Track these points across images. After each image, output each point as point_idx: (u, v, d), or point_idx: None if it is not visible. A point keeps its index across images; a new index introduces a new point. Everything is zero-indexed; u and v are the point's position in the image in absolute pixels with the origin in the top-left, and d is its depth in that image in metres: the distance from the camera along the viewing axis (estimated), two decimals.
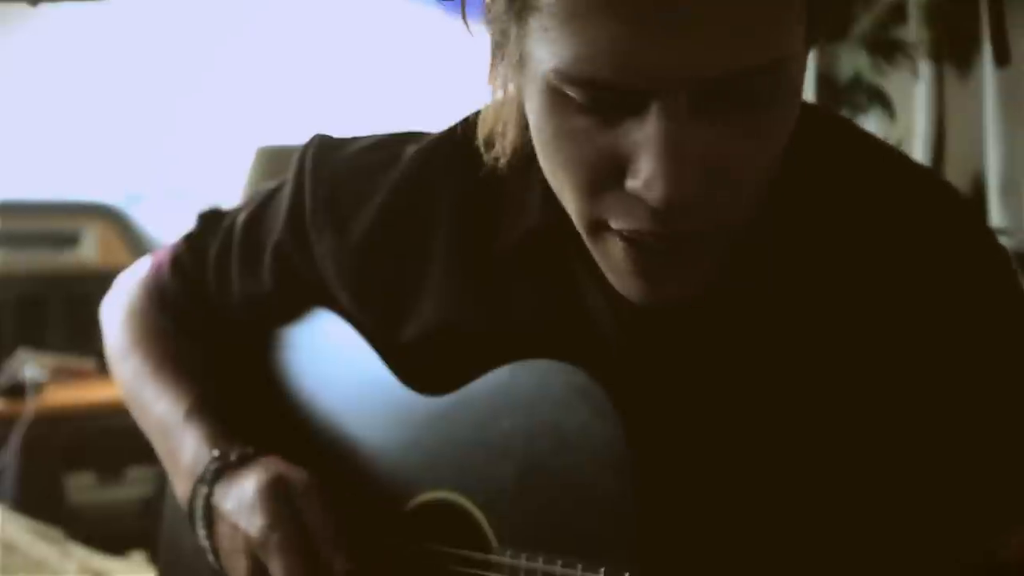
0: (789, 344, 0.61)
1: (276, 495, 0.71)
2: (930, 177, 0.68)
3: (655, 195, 0.52)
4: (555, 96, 0.54)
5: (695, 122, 0.52)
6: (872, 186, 0.63)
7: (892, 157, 0.66)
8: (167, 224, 2.31)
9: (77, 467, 2.00)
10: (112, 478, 2.01)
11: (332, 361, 0.80)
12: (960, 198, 0.67)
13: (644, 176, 0.52)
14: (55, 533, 1.62)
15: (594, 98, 0.53)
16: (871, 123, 1.31)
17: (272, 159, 1.83)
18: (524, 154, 0.63)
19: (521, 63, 0.56)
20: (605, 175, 0.54)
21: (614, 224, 0.56)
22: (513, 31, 0.55)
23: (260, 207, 0.82)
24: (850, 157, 0.65)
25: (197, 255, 0.86)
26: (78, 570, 1.55)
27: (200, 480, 0.75)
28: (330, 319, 0.80)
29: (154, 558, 1.83)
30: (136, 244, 2.22)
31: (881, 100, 1.25)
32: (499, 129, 0.64)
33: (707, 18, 0.49)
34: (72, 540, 1.64)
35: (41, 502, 1.87)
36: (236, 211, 0.85)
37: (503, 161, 0.64)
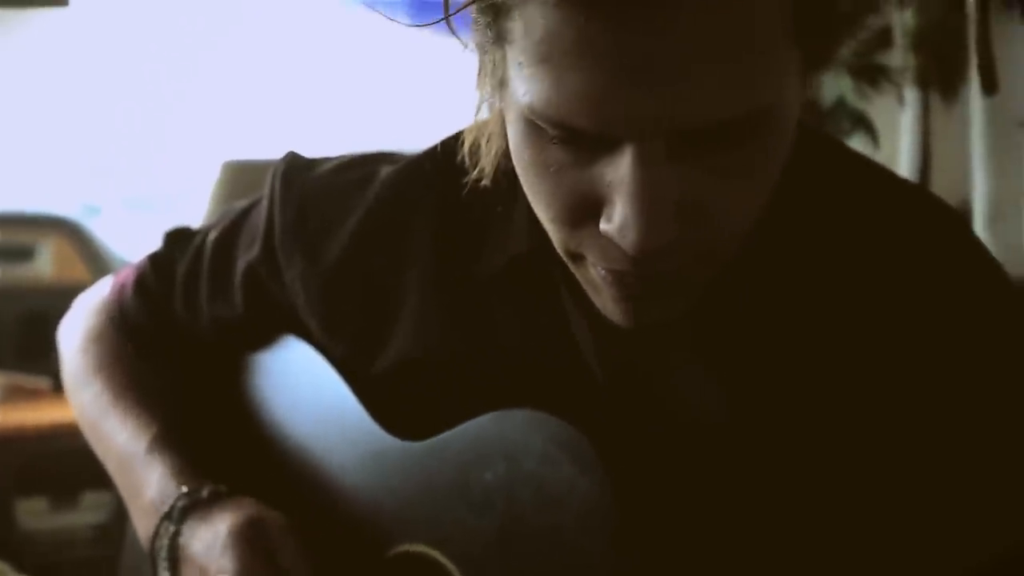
0: (781, 371, 0.59)
1: (250, 537, 0.67)
2: (920, 192, 0.67)
3: (628, 242, 0.50)
4: (531, 127, 0.52)
5: (672, 166, 0.50)
6: (862, 203, 0.62)
7: (880, 173, 0.65)
8: (127, 237, 2.24)
9: (29, 492, 1.91)
10: (66, 503, 1.94)
11: (304, 394, 0.76)
12: (952, 213, 0.65)
13: (618, 222, 0.50)
14: (3, 566, 1.55)
15: (567, 137, 0.50)
16: (854, 148, 1.28)
17: (239, 173, 1.78)
18: (507, 175, 0.60)
19: (502, 86, 0.53)
20: (580, 212, 0.52)
21: (591, 259, 0.54)
22: (494, 54, 0.53)
23: (232, 226, 0.78)
24: (839, 174, 0.63)
25: (163, 275, 0.82)
26: None
27: (166, 517, 0.71)
28: (303, 348, 0.76)
29: None
30: (94, 258, 2.15)
31: (865, 125, 1.23)
32: (482, 145, 0.62)
33: (685, 70, 0.47)
34: (22, 571, 1.58)
35: None
36: (206, 229, 0.81)
37: (485, 181, 0.62)
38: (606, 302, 0.56)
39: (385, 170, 0.71)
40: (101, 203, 2.45)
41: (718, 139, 0.50)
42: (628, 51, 0.47)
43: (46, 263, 2.15)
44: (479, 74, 0.57)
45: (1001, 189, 1.02)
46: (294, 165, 0.75)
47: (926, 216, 0.63)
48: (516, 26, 0.50)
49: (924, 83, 1.09)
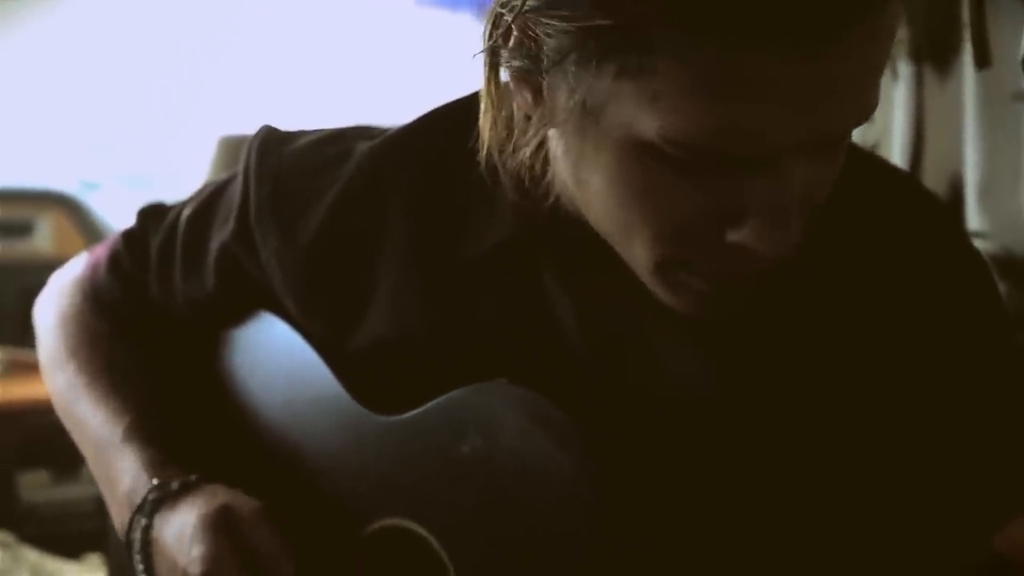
0: (770, 348, 0.60)
1: (220, 526, 0.67)
2: (910, 183, 0.69)
3: (770, 250, 0.51)
4: (644, 151, 0.51)
5: (801, 171, 0.52)
6: (852, 188, 0.61)
7: (868, 159, 0.66)
8: (126, 213, 2.24)
9: (31, 464, 1.93)
10: (67, 476, 1.95)
11: (281, 371, 0.76)
12: (940, 205, 0.69)
13: (756, 231, 0.52)
14: (6, 536, 1.56)
15: (702, 161, 0.51)
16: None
17: (236, 149, 1.77)
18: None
19: (585, 112, 0.52)
20: (698, 226, 0.53)
21: (698, 269, 0.54)
22: (583, 80, 0.52)
23: (207, 202, 0.78)
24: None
25: (137, 253, 0.82)
26: (30, 574, 1.50)
27: (138, 510, 0.71)
28: (279, 326, 0.76)
29: (109, 560, 1.79)
30: (93, 234, 2.14)
31: None
32: (502, 144, 0.61)
33: (845, 91, 0.50)
34: (24, 542, 1.59)
35: None
36: (181, 205, 0.80)
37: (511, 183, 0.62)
38: (690, 302, 0.57)
39: (362, 146, 0.70)
40: (100, 179, 2.45)
41: (839, 141, 0.53)
42: (797, 79, 0.48)
43: (45, 239, 2.15)
44: (491, 76, 0.57)
45: (994, 162, 1.01)
46: (269, 139, 0.73)
47: (914, 205, 0.65)
48: (659, 62, 0.49)
49: (917, 56, 1.09)
